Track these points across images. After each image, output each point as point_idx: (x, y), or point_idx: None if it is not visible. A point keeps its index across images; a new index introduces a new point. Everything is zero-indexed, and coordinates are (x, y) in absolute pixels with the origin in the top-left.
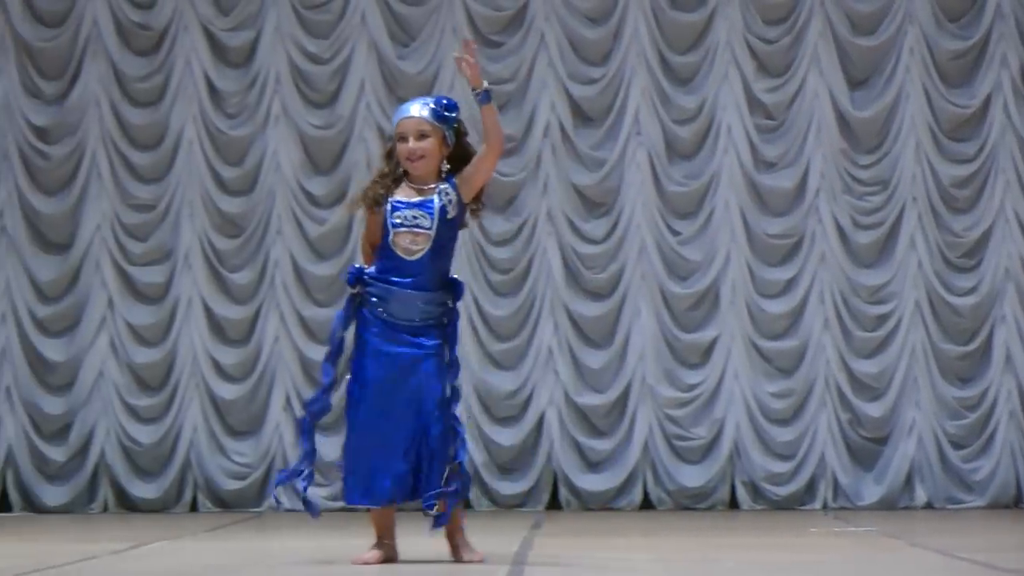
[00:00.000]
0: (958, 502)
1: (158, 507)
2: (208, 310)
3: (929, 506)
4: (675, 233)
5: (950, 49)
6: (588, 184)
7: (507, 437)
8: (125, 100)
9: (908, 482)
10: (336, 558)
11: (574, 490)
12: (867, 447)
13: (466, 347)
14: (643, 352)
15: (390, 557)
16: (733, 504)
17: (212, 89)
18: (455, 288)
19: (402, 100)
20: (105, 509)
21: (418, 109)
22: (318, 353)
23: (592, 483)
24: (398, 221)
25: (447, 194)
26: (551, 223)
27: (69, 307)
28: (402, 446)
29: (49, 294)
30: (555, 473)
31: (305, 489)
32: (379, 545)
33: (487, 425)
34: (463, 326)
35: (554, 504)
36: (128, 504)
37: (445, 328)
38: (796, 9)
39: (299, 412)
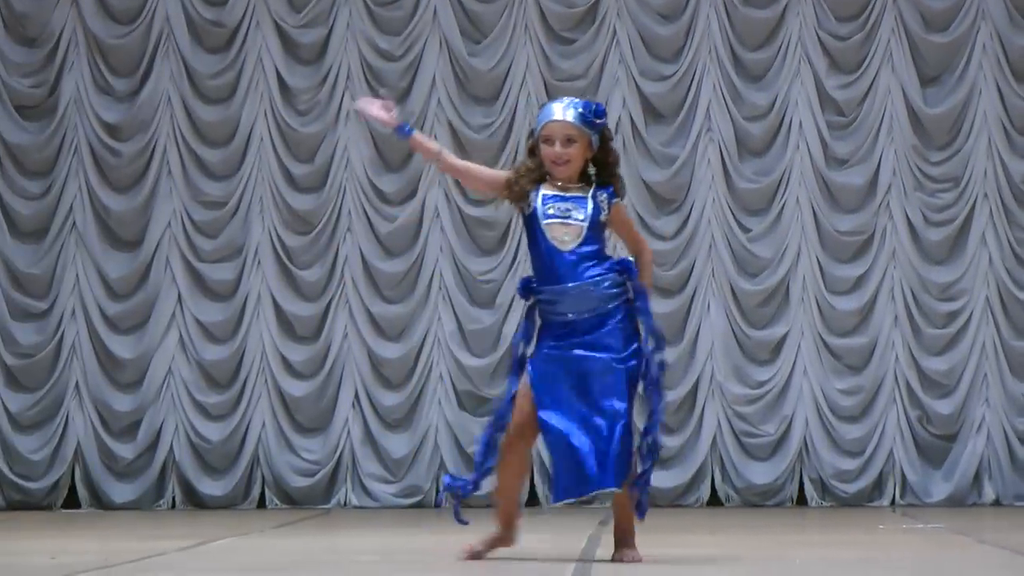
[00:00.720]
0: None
1: (226, 504)
2: (277, 307)
3: (997, 503)
4: (745, 230)
5: (1023, 46)
6: (659, 180)
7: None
8: (196, 97)
9: (977, 479)
10: (402, 555)
11: None
12: (936, 444)
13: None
14: (712, 349)
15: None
16: (801, 501)
17: (283, 86)
18: (624, 266)
19: (477, 97)
20: (173, 506)
21: (568, 113)
22: (387, 350)
23: (660, 480)
24: (551, 212)
25: (603, 201)
26: None
27: (139, 304)
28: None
29: (119, 291)
30: None
31: (465, 495)
32: (503, 536)
33: None
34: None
35: None
36: (196, 501)
37: (631, 307)
38: (868, 5)
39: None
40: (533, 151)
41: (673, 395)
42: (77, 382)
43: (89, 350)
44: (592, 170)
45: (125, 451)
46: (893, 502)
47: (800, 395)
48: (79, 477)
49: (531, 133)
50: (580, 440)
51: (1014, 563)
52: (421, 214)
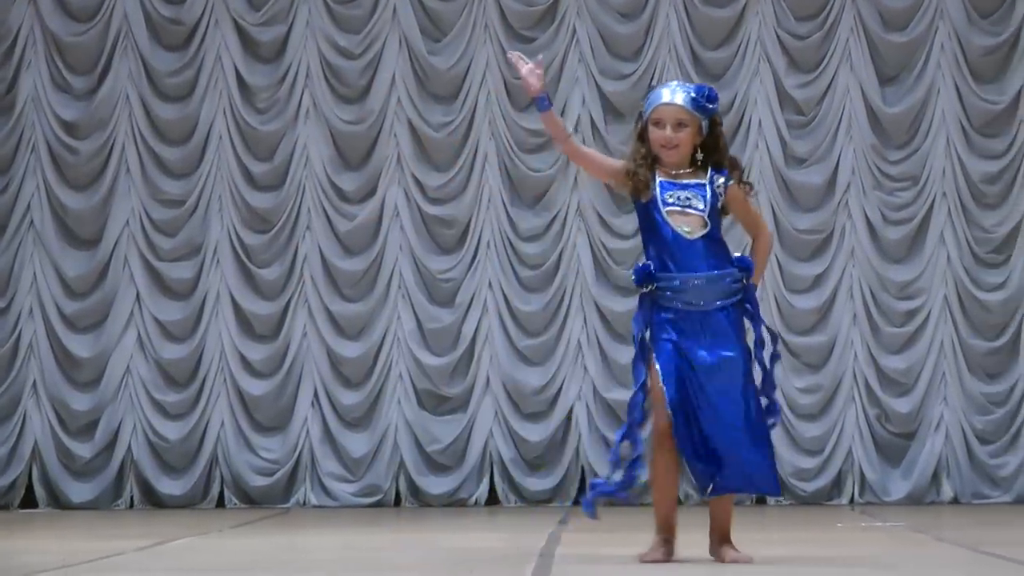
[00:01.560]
0: (984, 497)
1: (184, 503)
2: (236, 305)
3: (955, 502)
4: None
5: (981, 45)
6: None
7: (535, 433)
8: (155, 95)
9: (935, 477)
10: (363, 553)
11: None
12: (895, 443)
13: (495, 342)
14: None
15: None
16: (761, 500)
17: (242, 84)
18: (743, 263)
19: (436, 96)
20: (131, 506)
21: (679, 96)
22: (346, 349)
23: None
24: (670, 200)
25: (719, 185)
26: (581, 218)
27: (97, 303)
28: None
29: (77, 290)
30: (583, 468)
31: (614, 497)
32: (665, 543)
33: (515, 421)
34: (493, 323)
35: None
36: (154, 500)
37: (745, 307)
38: (827, 5)
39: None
40: (642, 136)
41: (631, 394)
42: (35, 381)
43: (47, 349)
44: (700, 155)
45: (83, 450)
46: (852, 500)
47: None
48: (36, 477)
49: (639, 117)
50: (731, 440)
51: (973, 560)
52: (381, 212)
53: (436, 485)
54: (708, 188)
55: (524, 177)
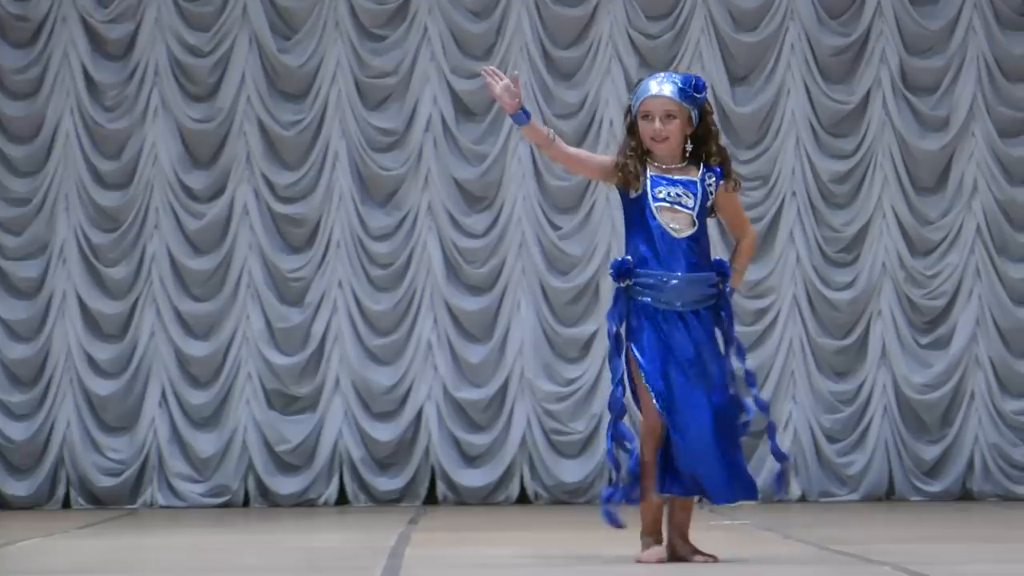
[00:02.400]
0: (832, 496)
1: (30, 504)
2: (83, 305)
3: (803, 499)
4: (556, 228)
5: (831, 45)
6: (469, 178)
7: (385, 432)
8: (1, 92)
9: (783, 475)
10: (211, 553)
11: (452, 485)
12: (743, 441)
13: (345, 342)
14: (522, 346)
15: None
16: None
17: (90, 81)
18: (722, 268)
19: (287, 94)
20: None
21: (666, 88)
22: (195, 348)
23: (470, 478)
24: (660, 196)
25: (710, 186)
26: (432, 217)
27: None
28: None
29: None
30: (433, 468)
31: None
32: (658, 541)
33: (365, 420)
34: (343, 322)
35: (432, 499)
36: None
37: (720, 312)
38: (678, 5)
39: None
40: (632, 130)
41: (482, 393)
42: None
43: None
44: (689, 146)
45: None
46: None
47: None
48: None
49: (627, 112)
50: (714, 444)
51: (820, 557)
52: (230, 211)
53: (285, 485)
54: (700, 186)
55: (374, 176)
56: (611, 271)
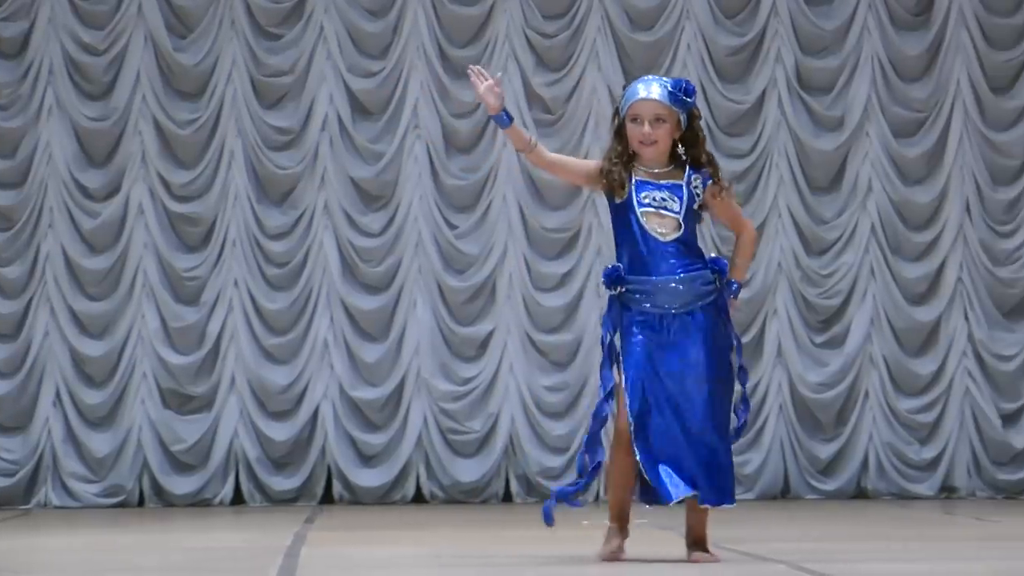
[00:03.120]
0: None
1: None
2: None
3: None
4: (452, 227)
5: (726, 45)
6: (366, 177)
7: (281, 431)
8: None
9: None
10: (107, 555)
11: (348, 484)
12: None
13: (240, 341)
14: (419, 345)
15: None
16: (507, 498)
17: None
18: (717, 265)
19: (182, 93)
20: None
21: (655, 91)
22: (90, 347)
23: (366, 478)
24: (646, 201)
25: (697, 188)
26: (328, 216)
27: None
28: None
29: None
30: (329, 467)
31: (572, 500)
32: (620, 531)
33: (260, 419)
34: (238, 321)
35: (328, 499)
36: None
37: (718, 309)
38: (575, 4)
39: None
40: (620, 133)
41: (379, 392)
42: None
43: None
44: (681, 150)
45: None
46: (597, 497)
47: (507, 392)
48: None
49: (615, 114)
50: (683, 449)
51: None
52: (125, 210)
53: (180, 485)
54: (685, 189)
55: (270, 175)
56: (603, 279)
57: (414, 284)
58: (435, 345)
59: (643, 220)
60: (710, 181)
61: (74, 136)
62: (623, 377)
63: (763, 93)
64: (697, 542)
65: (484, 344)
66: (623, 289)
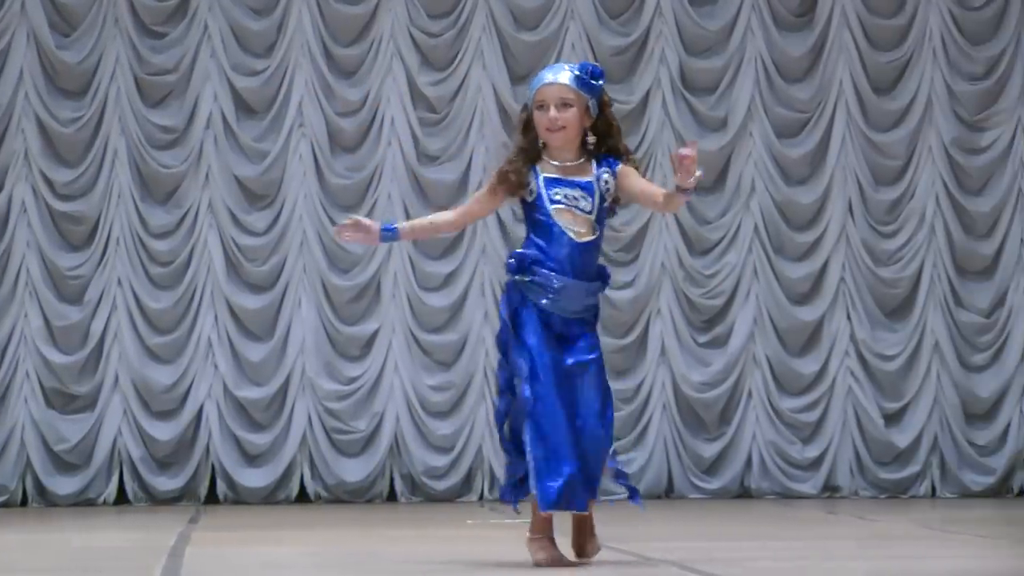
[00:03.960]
0: (611, 494)
1: None
2: None
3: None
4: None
5: (611, 45)
6: (250, 176)
7: (164, 431)
8: None
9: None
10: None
11: (232, 484)
12: None
13: (124, 340)
14: (303, 344)
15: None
16: (392, 497)
17: None
18: (604, 274)
19: (66, 91)
20: None
21: (562, 75)
22: None
23: (250, 477)
24: (557, 198)
25: (607, 183)
26: (212, 215)
27: None
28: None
29: None
30: (213, 467)
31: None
32: (548, 542)
33: (144, 419)
34: (123, 320)
35: (212, 498)
36: None
37: (595, 320)
38: (460, 3)
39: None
40: (527, 126)
41: (263, 391)
42: None
43: None
44: (591, 139)
45: None
46: (482, 497)
47: (391, 391)
48: None
49: (524, 108)
50: (571, 450)
51: (601, 556)
52: (8, 209)
53: (64, 485)
54: (596, 186)
55: (154, 173)
56: (510, 262)
57: (299, 283)
58: (320, 344)
59: (556, 217)
60: (618, 165)
61: None
62: (522, 371)
63: (647, 93)
64: (587, 544)
65: (369, 343)
66: (528, 279)
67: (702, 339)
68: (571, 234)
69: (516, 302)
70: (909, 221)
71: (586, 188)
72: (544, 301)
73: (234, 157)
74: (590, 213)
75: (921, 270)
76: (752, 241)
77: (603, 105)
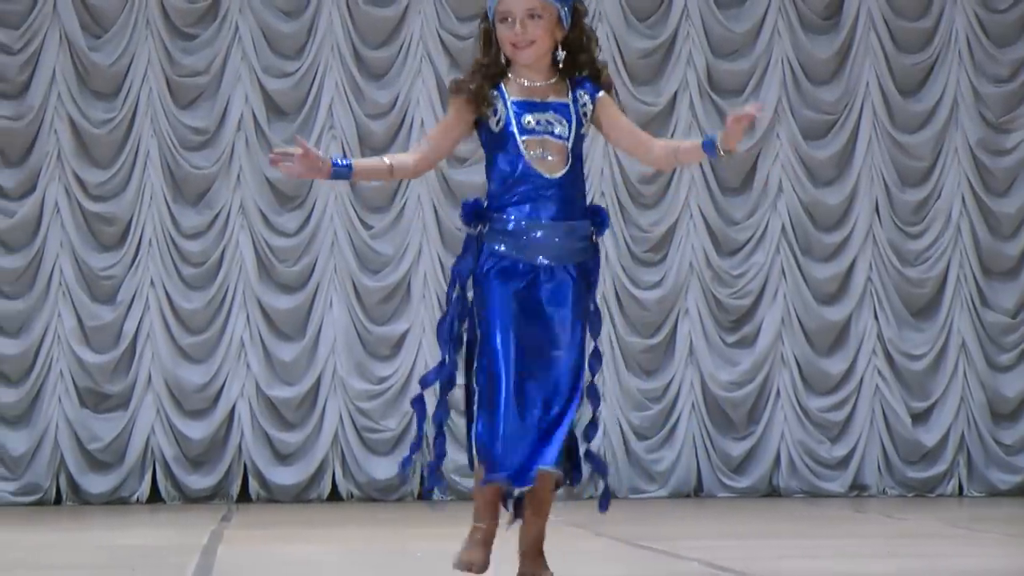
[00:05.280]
0: (641, 492)
1: None
2: None
3: (613, 496)
4: (367, 227)
5: (638, 48)
6: (281, 177)
7: (197, 430)
8: None
9: (592, 473)
10: (26, 554)
11: (264, 482)
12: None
13: (157, 340)
14: (334, 345)
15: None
16: (422, 496)
17: None
18: (599, 216)
19: (98, 92)
20: None
21: None
22: (5, 346)
23: (282, 476)
24: (529, 126)
25: (585, 104)
26: (244, 216)
27: None
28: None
29: None
30: (245, 465)
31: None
32: (489, 526)
33: (177, 418)
34: (155, 320)
35: (244, 497)
36: None
37: (588, 271)
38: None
39: None
40: (487, 41)
41: (295, 391)
42: None
43: None
44: (561, 54)
45: None
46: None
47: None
48: None
49: (483, 18)
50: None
51: (630, 555)
52: (40, 210)
53: (97, 483)
54: (573, 109)
55: (186, 174)
56: (461, 214)
57: (329, 284)
58: (350, 344)
59: (524, 150)
60: (599, 92)
61: None
62: (484, 332)
63: (675, 95)
64: (531, 553)
65: (399, 343)
66: (485, 228)
67: (730, 339)
68: (540, 170)
69: (471, 263)
70: (935, 222)
71: (561, 111)
72: (504, 248)
73: (265, 158)
74: (566, 139)
75: (947, 270)
76: (779, 241)
77: (576, 14)
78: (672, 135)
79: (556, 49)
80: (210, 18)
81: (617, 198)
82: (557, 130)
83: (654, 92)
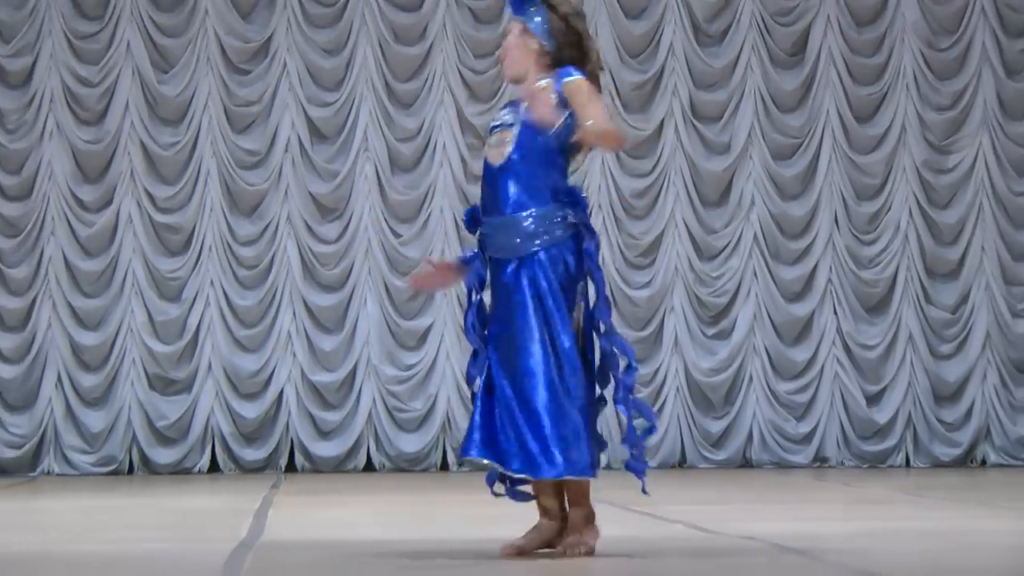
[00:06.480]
0: None
1: None
2: None
3: (608, 467)
4: (397, 235)
5: (630, 81)
6: (323, 192)
7: (251, 410)
8: None
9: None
10: (105, 516)
11: (308, 455)
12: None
13: (216, 332)
14: (369, 336)
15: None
16: (444, 467)
17: None
18: (572, 197)
19: (165, 120)
20: None
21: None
22: (86, 338)
23: (323, 449)
24: (494, 125)
25: (559, 93)
26: (291, 226)
27: None
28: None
29: None
30: (292, 441)
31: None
32: (549, 525)
33: (233, 400)
34: (214, 316)
35: (291, 468)
36: None
37: (565, 259)
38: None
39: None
40: None
41: (335, 376)
42: None
43: None
44: (548, 46)
45: None
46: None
47: (443, 376)
48: None
49: None
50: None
51: (625, 518)
52: (116, 220)
53: (164, 456)
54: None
55: (241, 190)
56: (464, 220)
57: (364, 284)
58: (383, 336)
59: (487, 143)
60: (566, 79)
61: (72, 156)
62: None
63: (662, 122)
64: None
65: (424, 336)
66: (479, 233)
67: (710, 332)
68: (490, 158)
69: (482, 271)
70: (886, 231)
71: (514, 104)
72: (489, 251)
73: (309, 176)
74: (512, 126)
75: (897, 272)
76: (752, 248)
77: (560, 17)
78: (660, 157)
79: (538, 55)
80: (262, 55)
81: (612, 210)
82: (506, 119)
83: (644, 119)
